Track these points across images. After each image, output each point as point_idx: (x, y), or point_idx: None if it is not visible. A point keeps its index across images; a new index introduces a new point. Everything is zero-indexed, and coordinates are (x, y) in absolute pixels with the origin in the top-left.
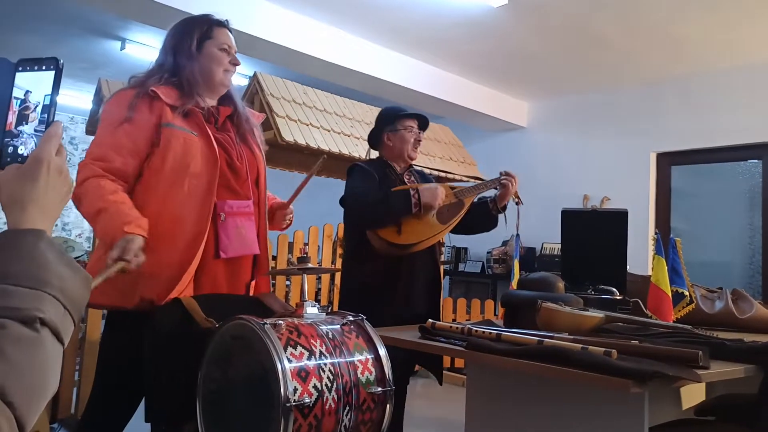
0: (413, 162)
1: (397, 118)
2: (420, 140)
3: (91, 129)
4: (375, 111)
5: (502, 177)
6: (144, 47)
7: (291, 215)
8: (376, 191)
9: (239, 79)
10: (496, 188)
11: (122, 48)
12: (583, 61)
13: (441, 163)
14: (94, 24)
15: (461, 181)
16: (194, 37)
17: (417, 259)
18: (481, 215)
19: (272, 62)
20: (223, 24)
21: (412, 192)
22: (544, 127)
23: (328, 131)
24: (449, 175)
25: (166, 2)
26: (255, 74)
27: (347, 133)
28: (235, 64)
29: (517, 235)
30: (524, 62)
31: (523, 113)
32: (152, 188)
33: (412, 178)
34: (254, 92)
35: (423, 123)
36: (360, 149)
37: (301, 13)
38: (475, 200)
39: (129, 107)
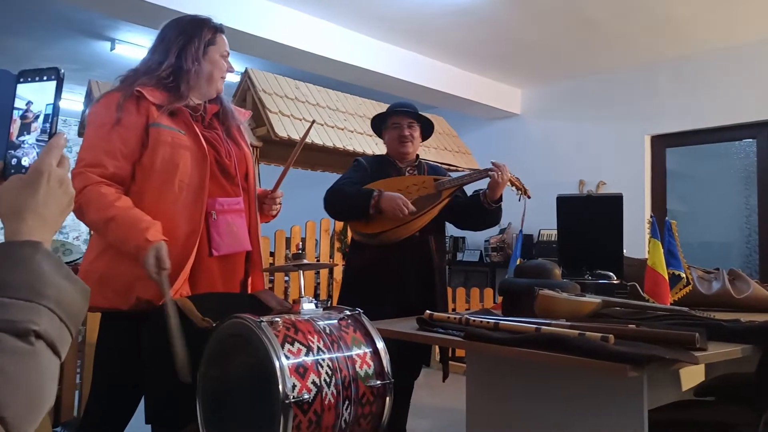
0: (422, 157)
1: (387, 115)
2: (404, 135)
3: (83, 131)
4: (368, 104)
5: (489, 168)
6: (134, 47)
7: (279, 199)
8: (351, 187)
9: (230, 75)
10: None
11: (112, 48)
12: (575, 45)
13: (436, 153)
14: (83, 25)
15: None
16: (202, 41)
17: (407, 249)
18: (475, 209)
19: (263, 58)
20: (223, 30)
21: (375, 194)
22: (538, 113)
23: (322, 125)
24: (450, 168)
25: (155, 1)
26: (246, 70)
27: (341, 126)
28: (231, 71)
29: (520, 232)
30: (516, 49)
31: (517, 100)
32: (144, 189)
33: (415, 172)
34: (246, 88)
35: (414, 116)
36: (354, 142)
37: (291, 7)
38: (463, 193)
39: (117, 109)
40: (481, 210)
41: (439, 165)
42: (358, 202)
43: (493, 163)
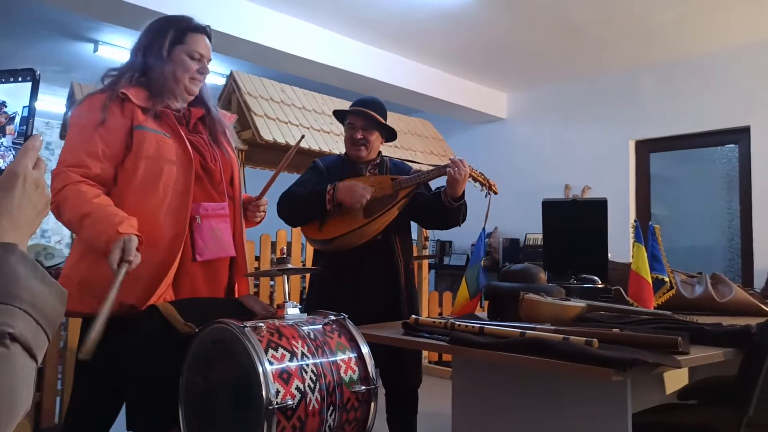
0: (390, 155)
1: (346, 115)
2: (356, 138)
3: (65, 133)
4: None
5: (447, 164)
6: (117, 49)
7: (264, 206)
8: (302, 187)
9: (216, 78)
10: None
11: (95, 50)
12: (561, 50)
13: (422, 157)
14: (66, 26)
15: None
16: (166, 39)
17: (370, 251)
18: (437, 207)
19: (249, 60)
20: (200, 30)
21: (329, 188)
22: (524, 117)
23: (308, 128)
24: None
25: (138, 3)
26: (231, 73)
27: (327, 130)
28: (203, 73)
29: (483, 229)
30: (502, 53)
31: (503, 105)
32: (127, 192)
33: (376, 171)
34: (231, 91)
35: (367, 117)
36: (340, 146)
37: (276, 10)
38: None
39: (101, 111)
40: (443, 208)
41: (405, 162)
42: (313, 201)
43: (450, 159)
